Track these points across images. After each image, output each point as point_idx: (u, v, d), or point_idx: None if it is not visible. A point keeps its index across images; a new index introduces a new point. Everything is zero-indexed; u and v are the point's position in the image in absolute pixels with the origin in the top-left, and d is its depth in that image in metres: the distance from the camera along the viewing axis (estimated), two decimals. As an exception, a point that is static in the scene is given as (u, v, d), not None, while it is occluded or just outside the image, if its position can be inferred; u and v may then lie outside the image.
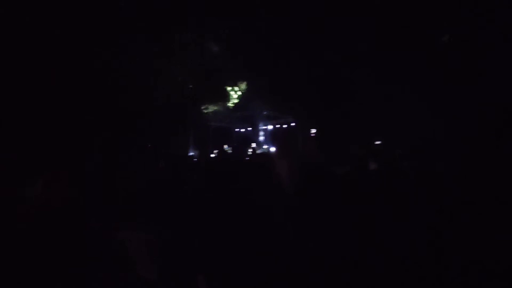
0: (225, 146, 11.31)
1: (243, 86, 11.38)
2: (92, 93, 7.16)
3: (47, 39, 6.47)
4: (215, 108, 11.85)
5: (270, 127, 12.62)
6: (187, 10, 8.88)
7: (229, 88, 11.12)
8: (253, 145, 10.96)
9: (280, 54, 10.07)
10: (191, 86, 10.44)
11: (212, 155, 8.02)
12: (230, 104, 11.84)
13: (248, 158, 7.62)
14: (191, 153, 10.15)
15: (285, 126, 12.03)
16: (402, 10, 6.89)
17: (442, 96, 6.34)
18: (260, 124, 12.17)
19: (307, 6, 8.82)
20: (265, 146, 10.78)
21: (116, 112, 7.70)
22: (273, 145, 10.21)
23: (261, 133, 12.25)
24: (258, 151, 9.59)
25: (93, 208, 2.33)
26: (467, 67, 6.22)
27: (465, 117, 5.93)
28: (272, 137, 11.58)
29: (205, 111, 11.67)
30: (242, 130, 13.33)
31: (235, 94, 11.34)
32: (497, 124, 5.32)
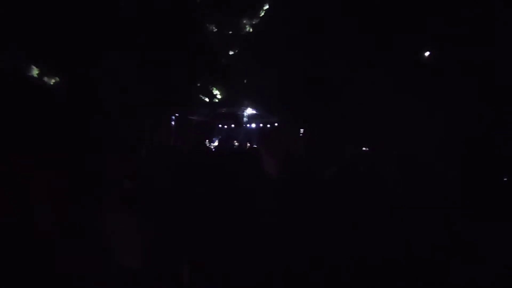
0: (207, 141, 11.20)
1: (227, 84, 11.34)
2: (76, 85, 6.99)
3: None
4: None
5: (253, 125, 12.63)
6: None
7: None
8: (235, 142, 10.92)
9: (270, 54, 10.08)
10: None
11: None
12: (214, 99, 11.76)
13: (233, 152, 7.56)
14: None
15: (269, 125, 12.08)
16: (399, 11, 6.92)
17: (439, 99, 6.40)
18: (244, 122, 12.15)
19: (302, 7, 8.86)
20: (248, 144, 10.76)
21: (100, 101, 7.52)
22: (259, 143, 10.22)
23: (245, 131, 12.24)
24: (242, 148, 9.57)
25: (82, 188, 2.24)
26: (466, 70, 6.28)
27: (462, 121, 6.01)
28: (257, 135, 11.60)
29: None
30: (225, 126, 13.26)
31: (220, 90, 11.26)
32: (495, 129, 5.46)
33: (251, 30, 10.38)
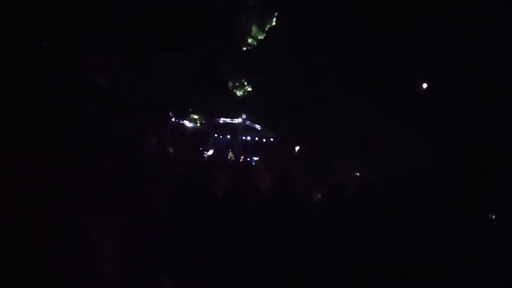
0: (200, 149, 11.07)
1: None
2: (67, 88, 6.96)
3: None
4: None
5: (249, 138, 12.57)
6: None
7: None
8: (231, 154, 10.84)
9: (271, 68, 10.14)
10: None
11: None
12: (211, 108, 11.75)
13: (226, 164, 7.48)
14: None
15: (264, 140, 12.03)
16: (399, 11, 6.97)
17: (440, 101, 6.41)
18: (240, 134, 12.10)
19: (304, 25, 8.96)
20: (242, 157, 10.69)
21: (94, 103, 7.46)
22: (254, 156, 10.15)
23: (241, 143, 12.18)
24: (236, 160, 9.49)
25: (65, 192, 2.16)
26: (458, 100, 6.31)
27: (462, 122, 5.98)
28: (252, 149, 11.53)
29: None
30: (221, 137, 13.19)
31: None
32: (495, 129, 5.42)
33: (256, 42, 10.42)
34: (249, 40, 10.30)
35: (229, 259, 2.52)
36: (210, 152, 10.42)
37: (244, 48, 10.57)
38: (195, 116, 12.00)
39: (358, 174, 6.66)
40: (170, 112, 11.26)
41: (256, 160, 8.53)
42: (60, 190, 2.24)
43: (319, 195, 4.14)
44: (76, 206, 2.22)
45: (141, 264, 2.33)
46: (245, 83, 10.71)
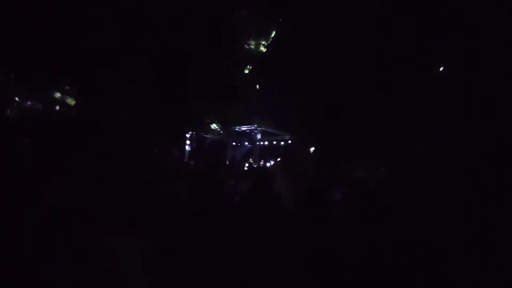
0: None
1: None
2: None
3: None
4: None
5: (266, 143, 12.56)
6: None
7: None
8: (251, 160, 10.87)
9: (281, 73, 10.17)
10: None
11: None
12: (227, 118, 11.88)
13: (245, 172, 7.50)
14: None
15: (282, 143, 11.99)
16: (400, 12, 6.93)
17: (448, 124, 6.29)
18: (258, 140, 12.13)
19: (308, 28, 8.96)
20: (261, 162, 10.68)
21: (112, 115, 7.65)
22: (272, 161, 10.14)
23: (259, 148, 12.20)
24: (255, 166, 9.51)
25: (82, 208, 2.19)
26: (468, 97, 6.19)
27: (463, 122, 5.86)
28: (270, 153, 11.53)
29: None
30: (239, 144, 13.25)
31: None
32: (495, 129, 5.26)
33: (263, 50, 10.54)
34: (255, 46, 10.42)
35: (248, 266, 2.50)
36: (228, 161, 10.48)
37: (252, 48, 10.66)
38: (212, 127, 12.18)
39: (381, 168, 6.52)
40: (187, 124, 11.45)
41: (272, 164, 8.51)
42: (77, 200, 2.22)
43: (342, 193, 4.06)
44: (92, 218, 2.22)
45: (159, 275, 2.32)
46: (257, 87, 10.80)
